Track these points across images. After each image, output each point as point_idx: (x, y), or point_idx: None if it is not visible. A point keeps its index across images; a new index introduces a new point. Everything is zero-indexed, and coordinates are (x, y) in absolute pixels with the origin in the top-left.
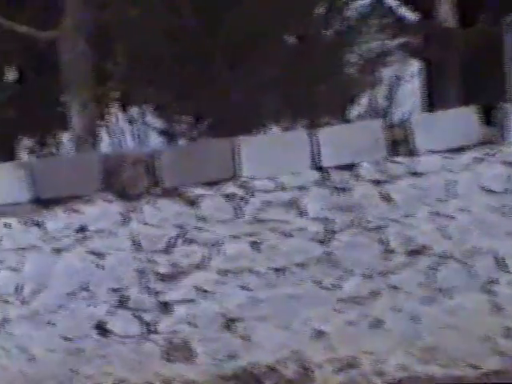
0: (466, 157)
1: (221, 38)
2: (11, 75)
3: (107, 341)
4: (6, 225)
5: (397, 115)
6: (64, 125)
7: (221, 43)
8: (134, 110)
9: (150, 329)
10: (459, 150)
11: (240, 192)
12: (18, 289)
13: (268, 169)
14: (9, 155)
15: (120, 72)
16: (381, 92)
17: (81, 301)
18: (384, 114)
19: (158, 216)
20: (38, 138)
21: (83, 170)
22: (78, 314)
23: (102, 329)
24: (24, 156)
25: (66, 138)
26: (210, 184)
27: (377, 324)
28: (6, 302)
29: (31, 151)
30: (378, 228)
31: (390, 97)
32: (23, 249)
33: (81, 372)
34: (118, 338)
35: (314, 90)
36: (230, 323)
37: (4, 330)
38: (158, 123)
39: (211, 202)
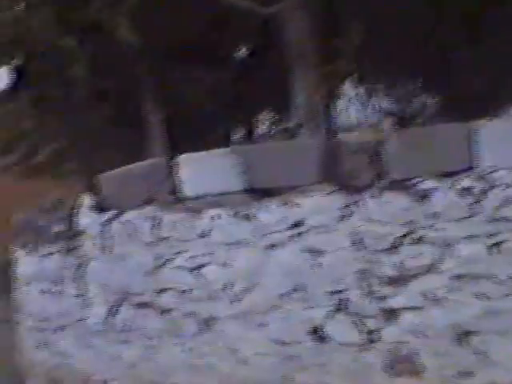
0: None
1: (456, 11)
2: (241, 52)
3: (324, 348)
4: (216, 216)
5: None
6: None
7: (456, 16)
8: (362, 91)
9: (371, 337)
10: None
11: (478, 185)
12: (228, 286)
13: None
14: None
15: (350, 49)
16: None
17: (295, 302)
18: None
19: (384, 211)
20: (272, 117)
21: (301, 158)
22: (292, 316)
23: (318, 334)
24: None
25: (292, 119)
26: (443, 176)
27: None
28: (214, 299)
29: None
30: None
31: None
32: (233, 243)
33: (295, 379)
34: (336, 345)
35: None
36: (463, 336)
37: (212, 328)
38: (387, 104)
39: (444, 197)
